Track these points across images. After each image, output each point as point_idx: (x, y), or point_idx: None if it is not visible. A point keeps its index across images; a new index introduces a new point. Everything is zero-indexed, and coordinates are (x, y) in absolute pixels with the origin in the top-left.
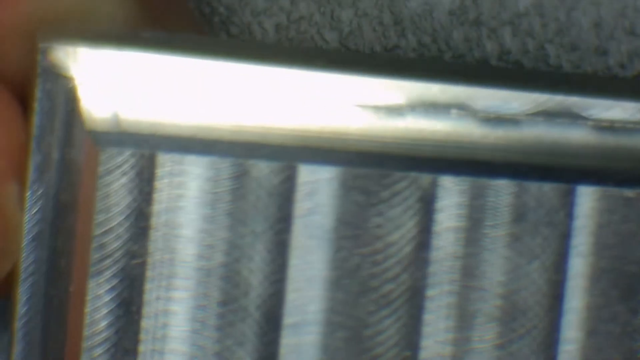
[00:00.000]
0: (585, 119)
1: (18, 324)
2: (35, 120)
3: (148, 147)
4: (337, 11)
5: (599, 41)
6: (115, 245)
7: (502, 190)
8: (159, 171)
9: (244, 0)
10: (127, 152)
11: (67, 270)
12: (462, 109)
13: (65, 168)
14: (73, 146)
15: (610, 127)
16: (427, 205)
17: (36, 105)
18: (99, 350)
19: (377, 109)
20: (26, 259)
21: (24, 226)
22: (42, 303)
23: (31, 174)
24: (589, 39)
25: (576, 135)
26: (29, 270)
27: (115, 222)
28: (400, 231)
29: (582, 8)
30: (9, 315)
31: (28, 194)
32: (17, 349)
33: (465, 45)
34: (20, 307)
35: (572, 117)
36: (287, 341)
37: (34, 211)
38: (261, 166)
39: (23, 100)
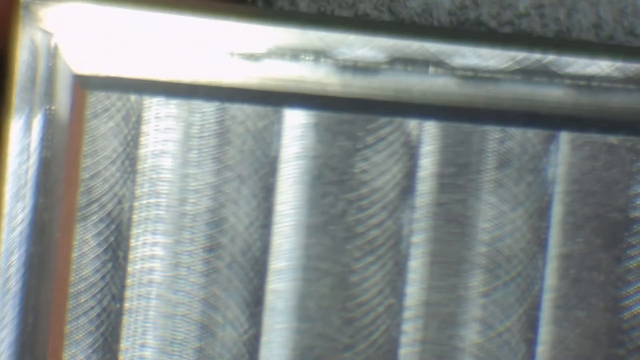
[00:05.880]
0: (562, 77)
1: None
2: (17, 74)
3: (134, 90)
4: (337, 11)
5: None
6: (103, 189)
7: (487, 136)
8: (146, 114)
9: None
10: (114, 96)
11: (50, 223)
12: (440, 66)
13: (49, 122)
14: (56, 100)
15: (587, 85)
16: (411, 151)
17: (18, 60)
18: (85, 296)
19: (355, 66)
20: (9, 214)
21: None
22: (25, 256)
23: (13, 131)
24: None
25: (554, 93)
26: (12, 225)
27: (102, 166)
28: (385, 177)
29: (582, 9)
30: None
31: (10, 149)
32: None
33: None
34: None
35: (549, 75)
36: (273, 287)
37: (13, 169)
38: (247, 110)
39: None
